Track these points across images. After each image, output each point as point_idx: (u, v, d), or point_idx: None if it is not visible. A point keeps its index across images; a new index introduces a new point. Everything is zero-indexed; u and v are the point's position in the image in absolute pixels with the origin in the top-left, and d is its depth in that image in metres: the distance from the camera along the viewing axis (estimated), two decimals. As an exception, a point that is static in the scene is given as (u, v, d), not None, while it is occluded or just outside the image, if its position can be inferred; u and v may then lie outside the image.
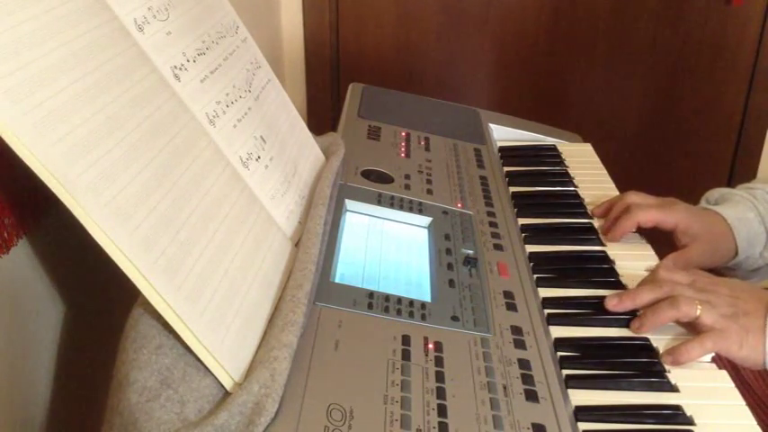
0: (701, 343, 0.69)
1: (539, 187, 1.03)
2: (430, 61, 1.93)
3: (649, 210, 0.88)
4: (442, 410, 0.56)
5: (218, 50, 0.74)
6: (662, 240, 0.91)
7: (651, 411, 0.63)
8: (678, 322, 0.73)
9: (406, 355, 0.60)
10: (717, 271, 0.94)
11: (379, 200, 0.85)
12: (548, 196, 1.01)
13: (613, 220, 0.91)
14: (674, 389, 0.66)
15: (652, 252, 0.90)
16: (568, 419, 0.60)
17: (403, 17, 1.89)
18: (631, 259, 0.86)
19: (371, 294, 0.67)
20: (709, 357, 0.71)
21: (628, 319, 0.75)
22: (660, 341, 0.72)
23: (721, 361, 0.72)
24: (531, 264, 0.84)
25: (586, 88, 1.94)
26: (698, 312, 0.71)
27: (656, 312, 0.72)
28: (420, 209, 0.86)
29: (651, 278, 0.77)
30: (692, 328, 0.73)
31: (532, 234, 0.90)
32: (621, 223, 0.89)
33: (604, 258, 0.86)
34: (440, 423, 0.54)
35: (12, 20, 0.47)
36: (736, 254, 0.91)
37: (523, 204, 0.97)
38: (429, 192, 0.91)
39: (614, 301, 0.74)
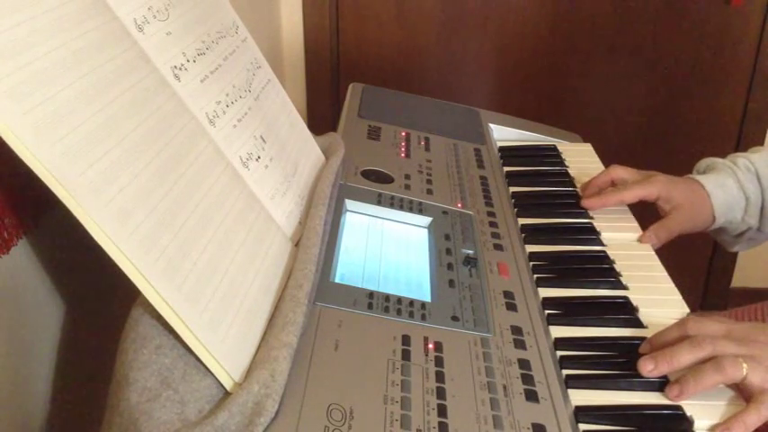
0: (758, 412, 0.63)
1: (539, 187, 1.03)
2: (430, 61, 1.93)
3: (633, 188, 0.94)
4: (441, 410, 0.56)
5: (218, 50, 0.74)
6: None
7: (651, 411, 0.63)
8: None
9: (406, 355, 0.60)
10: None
11: (379, 200, 0.85)
12: (548, 196, 1.01)
13: (595, 189, 0.97)
14: (674, 389, 0.66)
15: (652, 252, 0.90)
16: (568, 419, 0.60)
17: (403, 17, 1.89)
18: (631, 259, 0.87)
19: (371, 294, 0.67)
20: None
21: (629, 319, 0.75)
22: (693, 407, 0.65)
23: None
24: (531, 264, 0.84)
25: (587, 88, 1.94)
26: (744, 372, 0.64)
27: (698, 378, 0.65)
28: (420, 209, 0.86)
29: (681, 329, 0.69)
30: (736, 388, 0.66)
31: (532, 234, 0.90)
32: (606, 196, 0.96)
33: (604, 258, 0.86)
34: (440, 423, 0.54)
35: (12, 20, 0.47)
36: (715, 219, 0.96)
37: (523, 204, 0.97)
38: (429, 192, 0.91)
39: (649, 367, 0.67)
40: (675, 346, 0.67)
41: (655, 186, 0.94)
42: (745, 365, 0.64)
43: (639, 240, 0.92)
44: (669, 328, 0.70)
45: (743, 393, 0.66)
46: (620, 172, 0.98)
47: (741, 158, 0.99)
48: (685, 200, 0.94)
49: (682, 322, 0.71)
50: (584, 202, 0.96)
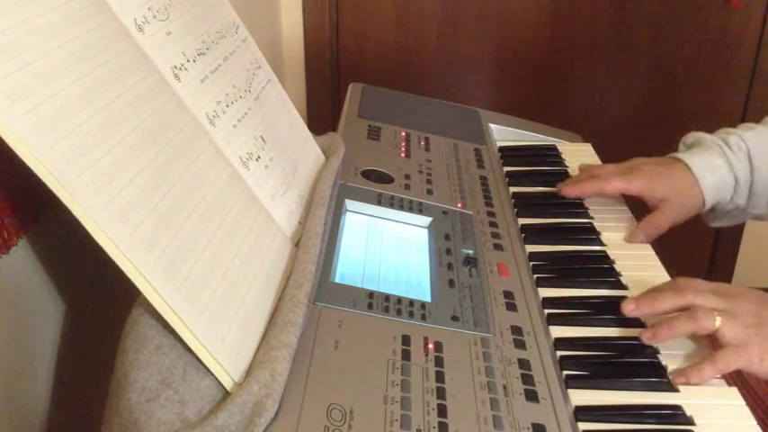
0: (713, 363, 0.66)
1: (539, 187, 1.03)
2: (430, 61, 1.93)
3: (613, 180, 0.92)
4: (441, 410, 0.56)
5: (218, 50, 0.74)
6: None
7: (651, 411, 0.63)
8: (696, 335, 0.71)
9: (406, 355, 0.60)
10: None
11: (379, 200, 0.85)
12: (548, 196, 1.01)
13: (576, 182, 0.95)
14: (674, 389, 0.66)
15: (652, 252, 0.90)
16: (568, 419, 0.60)
17: (403, 17, 1.89)
18: (631, 259, 0.86)
19: (371, 294, 0.67)
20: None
21: (629, 319, 0.75)
22: (669, 357, 0.70)
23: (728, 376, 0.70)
24: (531, 264, 0.84)
25: (586, 88, 1.94)
26: (717, 324, 0.67)
27: (672, 324, 0.69)
28: (420, 209, 0.86)
29: (671, 285, 0.73)
30: (701, 341, 0.70)
31: (532, 234, 0.90)
32: (584, 184, 0.93)
33: (604, 258, 0.86)
34: (440, 423, 0.54)
35: (12, 20, 0.47)
36: (705, 203, 0.91)
37: (523, 204, 0.97)
38: (429, 192, 0.91)
39: (631, 306, 0.71)
40: (659, 291, 0.72)
41: (636, 182, 0.91)
42: (719, 318, 0.67)
43: (627, 240, 0.90)
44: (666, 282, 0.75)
45: (715, 346, 0.69)
46: (600, 170, 0.96)
47: (733, 136, 0.93)
48: (672, 192, 0.90)
49: (674, 279, 0.74)
50: (562, 189, 0.94)
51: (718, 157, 0.92)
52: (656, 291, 0.73)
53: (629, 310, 0.71)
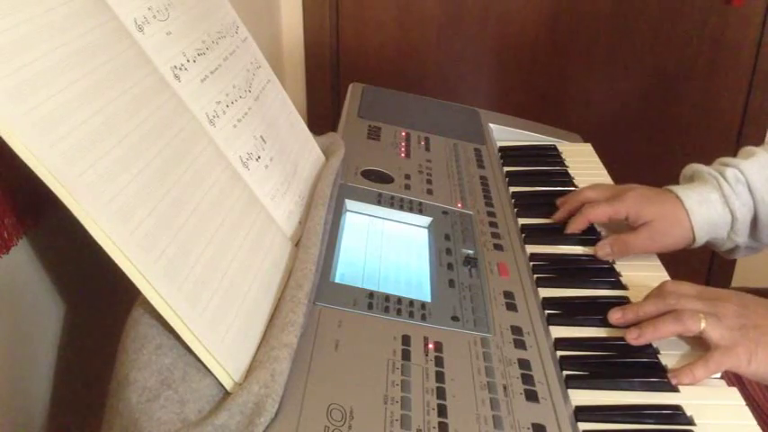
0: (705, 364, 0.67)
1: (539, 187, 1.03)
2: (430, 61, 1.93)
3: (599, 206, 0.89)
4: (441, 410, 0.56)
5: (218, 50, 0.74)
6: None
7: (651, 411, 0.63)
8: (686, 336, 0.71)
9: (406, 355, 0.60)
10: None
11: (379, 200, 0.85)
12: (548, 196, 1.01)
13: (566, 213, 0.92)
14: (674, 389, 0.66)
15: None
16: (568, 419, 0.60)
17: (403, 17, 1.89)
18: (631, 259, 0.86)
19: (371, 294, 0.67)
20: (717, 374, 0.69)
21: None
22: (670, 357, 0.70)
23: (728, 377, 0.71)
24: (531, 264, 0.84)
25: (586, 88, 1.94)
26: (702, 326, 0.68)
27: (657, 325, 0.70)
28: (420, 209, 0.86)
29: (656, 291, 0.75)
30: (701, 342, 0.70)
31: (532, 234, 0.90)
32: (574, 221, 0.90)
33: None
34: (440, 423, 0.54)
35: (12, 20, 0.47)
36: (696, 239, 0.87)
37: (523, 204, 0.97)
38: (429, 192, 0.91)
39: (617, 315, 0.73)
40: (644, 298, 0.74)
41: (623, 206, 0.87)
42: (704, 320, 0.68)
43: (594, 250, 0.87)
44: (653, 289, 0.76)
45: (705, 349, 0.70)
46: (588, 194, 0.92)
47: (730, 168, 0.88)
48: (657, 217, 0.86)
49: (660, 284, 0.75)
50: (566, 232, 0.90)
51: (713, 191, 0.87)
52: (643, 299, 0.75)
53: (615, 318, 0.73)
